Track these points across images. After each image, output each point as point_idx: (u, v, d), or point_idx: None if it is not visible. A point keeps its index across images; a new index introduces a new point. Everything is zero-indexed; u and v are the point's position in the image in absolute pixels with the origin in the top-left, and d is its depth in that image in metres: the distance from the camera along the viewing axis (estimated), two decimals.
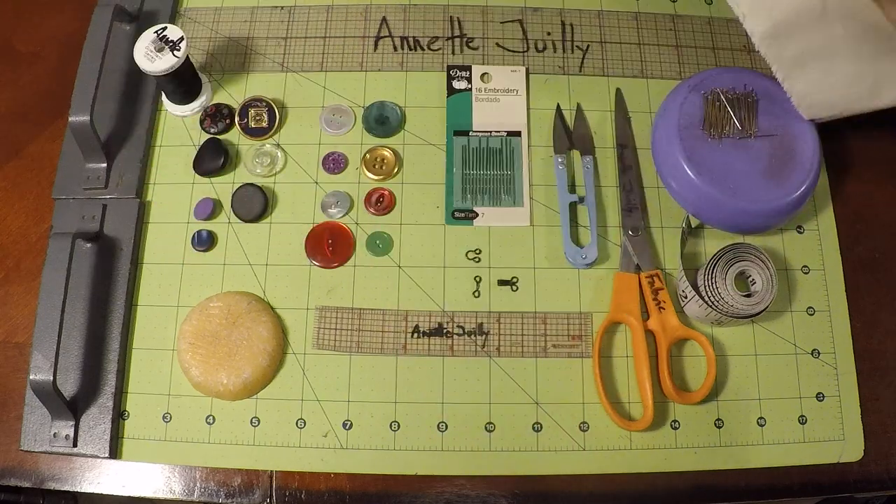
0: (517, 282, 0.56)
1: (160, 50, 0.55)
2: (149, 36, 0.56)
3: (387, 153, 0.59)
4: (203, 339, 0.53)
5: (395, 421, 0.52)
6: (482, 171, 0.59)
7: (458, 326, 0.55)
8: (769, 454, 0.52)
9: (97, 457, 0.51)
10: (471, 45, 0.64)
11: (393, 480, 0.52)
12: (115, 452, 0.52)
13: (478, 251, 0.57)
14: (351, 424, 0.52)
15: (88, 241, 0.56)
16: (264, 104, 0.60)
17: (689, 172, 0.55)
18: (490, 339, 0.54)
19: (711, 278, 0.52)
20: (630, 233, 0.56)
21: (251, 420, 0.52)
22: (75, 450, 0.51)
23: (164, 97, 0.61)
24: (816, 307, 0.56)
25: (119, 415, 0.52)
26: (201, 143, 0.60)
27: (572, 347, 0.54)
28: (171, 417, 0.53)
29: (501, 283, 0.56)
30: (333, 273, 0.56)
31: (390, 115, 0.61)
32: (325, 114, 0.61)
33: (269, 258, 0.56)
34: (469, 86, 0.62)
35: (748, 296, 0.52)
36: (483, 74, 0.62)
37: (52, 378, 0.48)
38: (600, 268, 0.56)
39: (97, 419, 0.52)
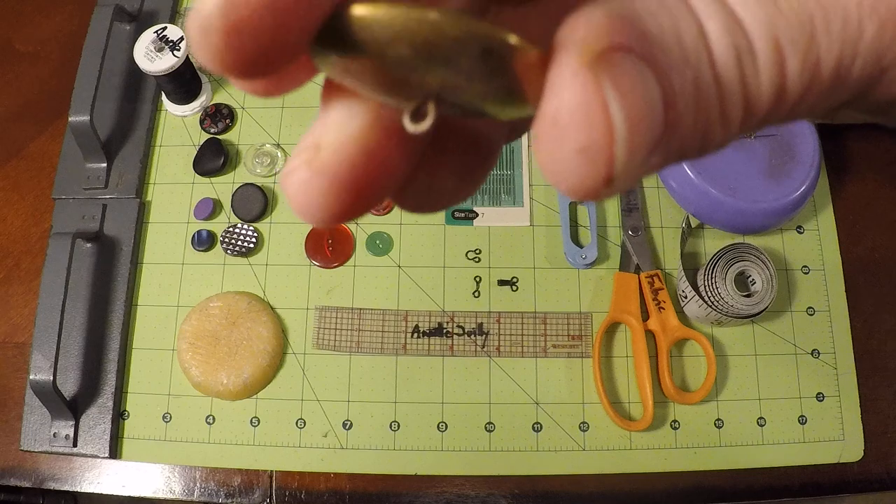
0: (517, 282, 0.56)
1: (160, 50, 0.55)
2: (149, 36, 0.56)
3: None
4: (203, 339, 0.53)
5: (395, 421, 0.52)
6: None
7: (457, 326, 0.55)
8: (769, 454, 0.52)
9: (97, 457, 0.51)
10: None
11: (393, 480, 0.52)
12: (114, 452, 0.52)
13: (478, 251, 0.57)
14: (351, 424, 0.52)
15: (88, 241, 0.56)
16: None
17: (689, 172, 0.55)
18: (490, 339, 0.54)
19: (711, 278, 0.52)
20: (630, 233, 0.56)
21: (251, 420, 0.52)
22: (75, 450, 0.51)
23: (164, 97, 0.61)
24: (816, 307, 0.56)
25: (119, 415, 0.52)
26: (201, 143, 0.60)
27: (572, 347, 0.54)
28: (171, 417, 0.53)
29: (501, 283, 0.56)
30: (333, 273, 0.56)
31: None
32: None
33: (269, 258, 0.57)
34: None
35: (748, 296, 0.52)
36: None
37: (52, 378, 0.48)
38: (600, 268, 0.56)
39: (97, 419, 0.52)
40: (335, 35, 0.13)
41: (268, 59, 0.12)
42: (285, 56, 0.13)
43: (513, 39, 0.12)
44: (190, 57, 0.57)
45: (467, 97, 0.13)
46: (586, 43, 0.12)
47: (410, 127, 0.13)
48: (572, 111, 0.12)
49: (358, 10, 0.12)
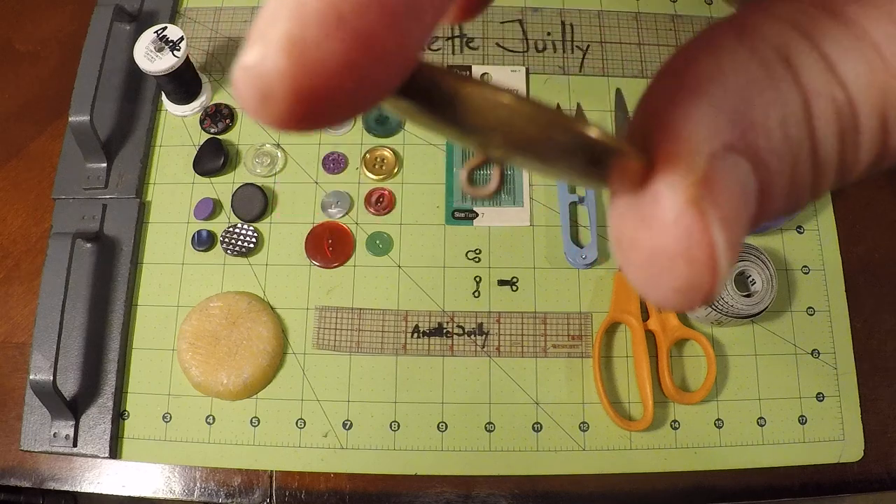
0: (517, 282, 0.56)
1: (160, 50, 0.55)
2: (149, 36, 0.56)
3: (387, 153, 0.59)
4: (203, 339, 0.53)
5: (395, 421, 0.52)
6: (482, 170, 0.59)
7: (457, 326, 0.55)
8: (769, 454, 0.52)
9: (97, 457, 0.51)
10: (471, 45, 0.64)
11: (393, 480, 0.52)
12: (115, 452, 0.52)
13: (478, 251, 0.57)
14: (351, 424, 0.52)
15: (88, 241, 0.56)
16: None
17: None
18: (490, 339, 0.54)
19: None
20: None
21: (251, 420, 0.52)
22: (75, 450, 0.51)
23: (164, 97, 0.61)
24: (816, 307, 0.56)
25: (119, 415, 0.52)
26: (201, 143, 0.60)
27: (572, 347, 0.54)
28: (171, 417, 0.53)
29: (501, 283, 0.56)
30: (333, 273, 0.56)
31: (390, 114, 0.61)
32: None
33: (269, 258, 0.57)
34: None
35: (748, 296, 0.52)
36: (483, 74, 0.62)
37: (52, 378, 0.48)
38: (600, 268, 0.56)
39: (97, 419, 0.52)
40: (424, 95, 0.11)
41: (335, 120, 0.10)
42: (355, 114, 0.10)
43: (617, 145, 0.11)
44: (189, 57, 0.57)
45: (543, 172, 0.12)
46: (691, 163, 0.11)
47: (469, 190, 0.12)
48: (674, 256, 0.11)
49: (464, 89, 0.11)
